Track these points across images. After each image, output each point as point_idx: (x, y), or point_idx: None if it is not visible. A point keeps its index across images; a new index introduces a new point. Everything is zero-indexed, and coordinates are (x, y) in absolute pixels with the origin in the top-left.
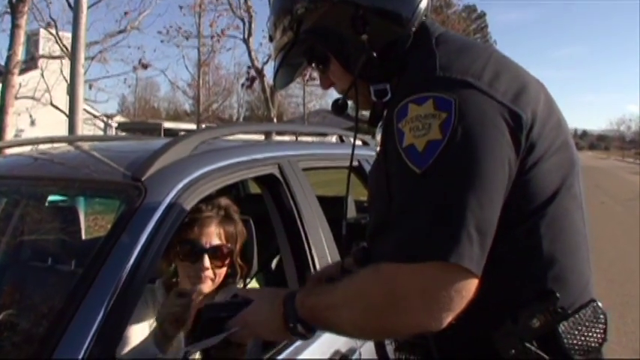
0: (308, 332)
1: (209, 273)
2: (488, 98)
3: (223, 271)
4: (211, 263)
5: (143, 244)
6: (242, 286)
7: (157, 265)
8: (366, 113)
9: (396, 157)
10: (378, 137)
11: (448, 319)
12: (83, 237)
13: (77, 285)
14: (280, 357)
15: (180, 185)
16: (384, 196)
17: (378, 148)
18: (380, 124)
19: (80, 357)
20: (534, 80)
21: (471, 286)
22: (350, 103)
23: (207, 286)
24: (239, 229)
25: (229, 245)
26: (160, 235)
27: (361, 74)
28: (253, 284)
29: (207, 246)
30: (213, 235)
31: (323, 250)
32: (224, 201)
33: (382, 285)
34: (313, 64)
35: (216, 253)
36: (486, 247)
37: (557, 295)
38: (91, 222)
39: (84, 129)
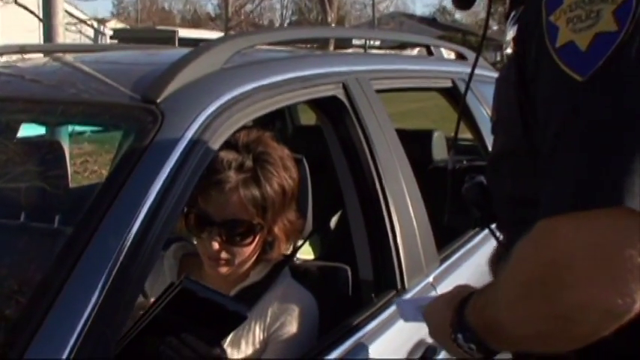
0: (477, 350)
1: (222, 254)
2: None
3: (248, 249)
4: (225, 242)
5: (158, 194)
6: (291, 251)
7: (175, 224)
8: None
9: (547, 61)
10: (510, 35)
11: None
12: (70, 185)
13: (63, 251)
14: (349, 342)
15: (210, 110)
16: (513, 115)
17: (509, 50)
18: (512, 17)
19: (64, 357)
20: None
21: None
22: None
23: (224, 270)
24: (271, 190)
25: (255, 220)
26: (181, 181)
27: None
28: (306, 249)
29: (218, 219)
30: (230, 205)
31: (404, 203)
32: (260, 147)
33: (538, 250)
34: None
35: (231, 229)
36: None
37: None
38: (79, 167)
39: (66, 37)
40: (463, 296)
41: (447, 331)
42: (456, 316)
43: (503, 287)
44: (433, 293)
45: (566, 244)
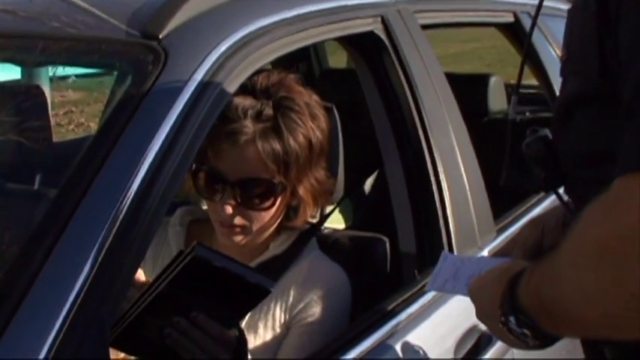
0: (532, 336)
1: (237, 220)
2: None
3: (267, 214)
4: (240, 205)
5: (160, 148)
6: (318, 219)
7: (181, 184)
8: None
9: None
10: None
11: None
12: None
13: (47, 217)
14: (386, 326)
15: (223, 48)
16: (589, 52)
17: None
18: None
19: (49, 342)
20: None
21: None
22: None
23: (239, 238)
24: (295, 144)
25: (276, 179)
26: (189, 133)
27: None
28: (336, 217)
29: (232, 178)
30: (245, 161)
31: (454, 161)
32: (282, 91)
33: (613, 215)
34: None
35: (247, 189)
36: None
37: None
38: (62, 118)
39: None
40: (515, 271)
41: (495, 313)
42: (506, 295)
43: (566, 259)
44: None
45: None
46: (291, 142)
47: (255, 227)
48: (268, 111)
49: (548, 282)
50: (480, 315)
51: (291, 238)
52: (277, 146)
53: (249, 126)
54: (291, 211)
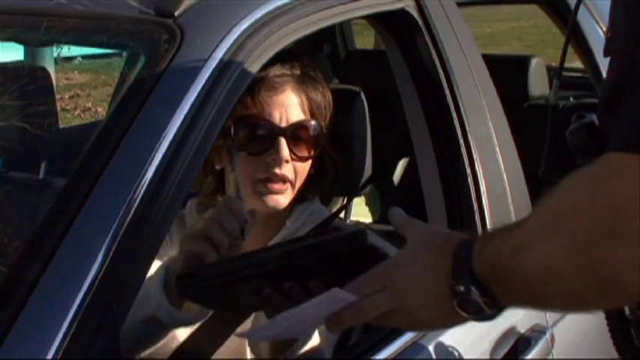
0: (489, 306)
1: (288, 171)
2: None
3: (306, 169)
4: (291, 153)
5: (177, 134)
6: (339, 206)
7: (198, 171)
8: None
9: None
10: None
11: None
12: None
13: (55, 208)
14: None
15: (244, 26)
16: (632, 28)
17: None
18: None
19: (57, 343)
20: None
21: None
22: None
23: (285, 197)
24: (329, 97)
25: (315, 122)
26: (205, 120)
27: None
28: (362, 209)
29: (284, 124)
30: (291, 106)
31: (491, 150)
32: (303, 61)
33: (596, 192)
34: None
35: (297, 135)
36: None
37: None
38: (67, 102)
39: None
40: (461, 239)
41: (445, 287)
42: (457, 265)
43: (535, 230)
44: None
45: (633, 189)
46: (325, 92)
47: (297, 183)
48: (296, 70)
49: (508, 252)
50: (409, 297)
51: (307, 211)
52: (317, 96)
53: (287, 73)
54: (310, 182)
